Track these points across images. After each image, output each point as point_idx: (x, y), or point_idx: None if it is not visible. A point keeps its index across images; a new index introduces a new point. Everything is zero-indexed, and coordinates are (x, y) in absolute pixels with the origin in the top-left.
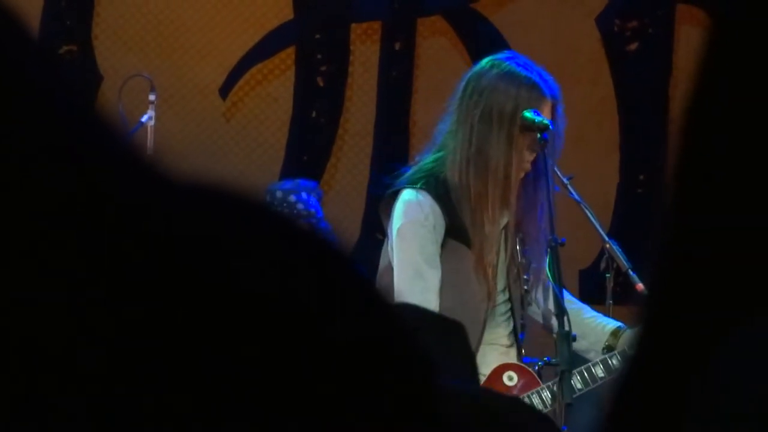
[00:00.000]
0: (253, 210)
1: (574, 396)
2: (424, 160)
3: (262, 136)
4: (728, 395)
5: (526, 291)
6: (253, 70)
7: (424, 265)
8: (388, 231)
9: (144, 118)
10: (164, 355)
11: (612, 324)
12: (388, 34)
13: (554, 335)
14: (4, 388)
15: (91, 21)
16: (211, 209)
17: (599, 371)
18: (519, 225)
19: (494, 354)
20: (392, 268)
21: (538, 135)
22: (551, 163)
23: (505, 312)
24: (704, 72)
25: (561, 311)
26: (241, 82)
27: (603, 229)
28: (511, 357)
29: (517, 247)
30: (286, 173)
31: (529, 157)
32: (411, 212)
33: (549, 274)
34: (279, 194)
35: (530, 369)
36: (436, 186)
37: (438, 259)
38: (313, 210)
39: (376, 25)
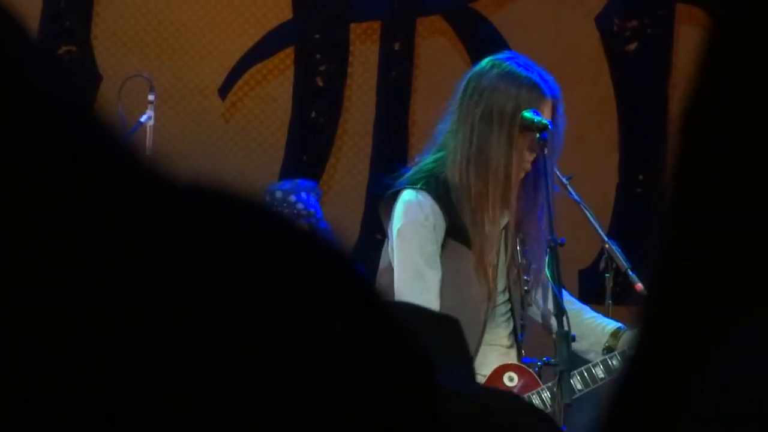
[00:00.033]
0: (253, 210)
1: (575, 397)
2: (424, 161)
3: (262, 136)
4: (728, 395)
5: (527, 291)
6: (253, 70)
7: (425, 265)
8: (388, 231)
9: (143, 119)
10: (164, 355)
11: (612, 325)
12: (387, 34)
13: (553, 335)
14: (4, 388)
15: (90, 21)
16: (210, 209)
17: (599, 372)
18: (519, 225)
19: (494, 355)
20: (392, 269)
21: (537, 135)
22: (550, 163)
23: (505, 312)
24: (704, 72)
25: (560, 311)
26: (240, 82)
27: (602, 229)
28: (511, 357)
29: (518, 248)
30: (286, 173)
31: (530, 157)
32: (411, 213)
33: (548, 274)
34: (279, 194)
35: (530, 369)
36: (436, 186)
37: (438, 260)
38: (312, 210)
39: (376, 25)
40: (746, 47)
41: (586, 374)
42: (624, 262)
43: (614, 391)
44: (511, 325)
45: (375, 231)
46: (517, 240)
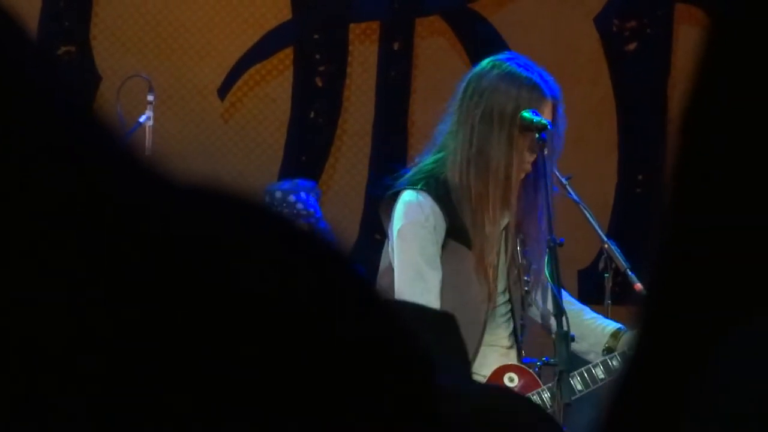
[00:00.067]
0: (252, 210)
1: (575, 397)
2: (424, 161)
3: (261, 137)
4: (727, 395)
5: (527, 292)
6: (252, 70)
7: (425, 266)
8: (389, 232)
9: (142, 119)
10: (164, 355)
11: (612, 326)
12: (386, 35)
13: (553, 336)
14: (4, 388)
15: (89, 22)
16: (209, 210)
17: (599, 372)
18: (519, 226)
19: (494, 355)
20: (393, 269)
21: (537, 135)
22: (549, 163)
23: (506, 313)
24: (703, 72)
25: (559, 311)
26: (239, 82)
27: (602, 229)
28: (512, 358)
29: (518, 248)
30: (285, 173)
31: (530, 157)
32: (411, 213)
33: (547, 274)
34: (278, 194)
35: (530, 370)
36: (436, 187)
37: (438, 260)
38: (312, 210)
39: (375, 25)
40: (745, 47)
41: (586, 375)
42: (623, 262)
43: (614, 392)
44: (512, 325)
45: (374, 231)
46: (518, 240)
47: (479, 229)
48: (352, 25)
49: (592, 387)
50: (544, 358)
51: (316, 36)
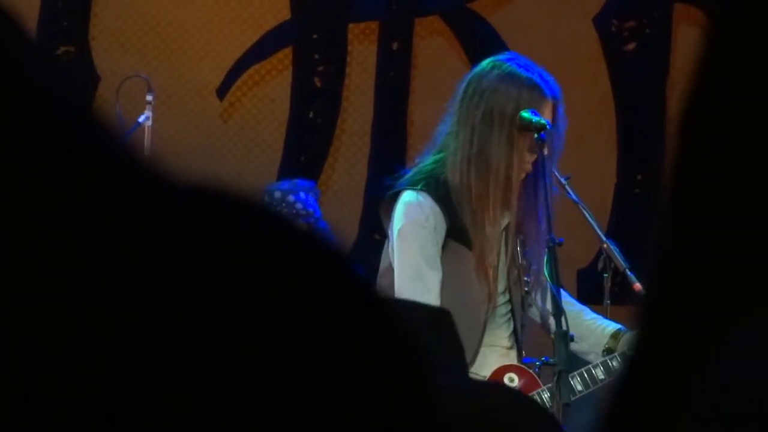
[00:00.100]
0: (252, 210)
1: (575, 398)
2: (424, 162)
3: (260, 137)
4: (727, 395)
5: (527, 292)
6: (251, 70)
7: (425, 266)
8: (389, 232)
9: (141, 119)
10: (164, 355)
11: (612, 326)
12: (385, 35)
13: (552, 335)
14: (4, 388)
15: (88, 22)
16: (209, 210)
17: (599, 373)
18: (520, 226)
19: (494, 356)
20: (393, 270)
21: (536, 135)
22: (549, 163)
23: (506, 313)
24: (702, 72)
25: (558, 311)
26: (238, 82)
27: (601, 229)
28: (512, 359)
29: (518, 249)
30: (284, 174)
31: (530, 158)
32: (411, 213)
33: (546, 274)
34: (277, 194)
35: (531, 370)
36: (436, 187)
37: (438, 261)
38: (311, 210)
39: (374, 26)
40: (744, 47)
41: (586, 375)
42: (622, 262)
43: (614, 392)
44: (512, 326)
45: (373, 231)
46: (518, 241)
47: (479, 230)
48: (351, 25)
49: (592, 387)
50: (543, 358)
51: (315, 36)
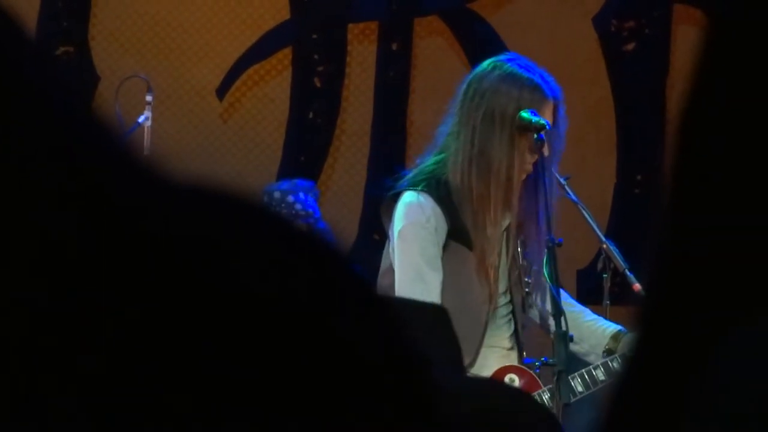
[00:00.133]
0: (251, 210)
1: (575, 399)
2: (425, 162)
3: (259, 137)
4: (727, 395)
5: (528, 293)
6: (250, 70)
7: (426, 267)
8: (390, 233)
9: (141, 119)
10: (164, 355)
11: (613, 327)
12: (385, 35)
13: (551, 335)
14: (4, 388)
15: (87, 22)
16: (208, 210)
17: (600, 374)
18: (521, 227)
19: (495, 357)
20: (393, 270)
21: (535, 135)
22: (548, 163)
23: (507, 314)
24: (701, 72)
25: (558, 311)
26: (238, 82)
27: (600, 230)
28: (512, 359)
29: (519, 250)
30: (284, 174)
31: (531, 158)
32: (412, 214)
33: (546, 274)
34: (277, 195)
35: (531, 371)
36: (437, 188)
37: (439, 262)
38: (310, 210)
39: (373, 26)
40: (744, 47)
41: (587, 376)
42: (622, 263)
43: (614, 392)
44: (512, 326)
45: (373, 231)
46: (519, 242)
47: (480, 231)
48: (350, 26)
49: (593, 389)
50: (543, 358)
51: (314, 36)
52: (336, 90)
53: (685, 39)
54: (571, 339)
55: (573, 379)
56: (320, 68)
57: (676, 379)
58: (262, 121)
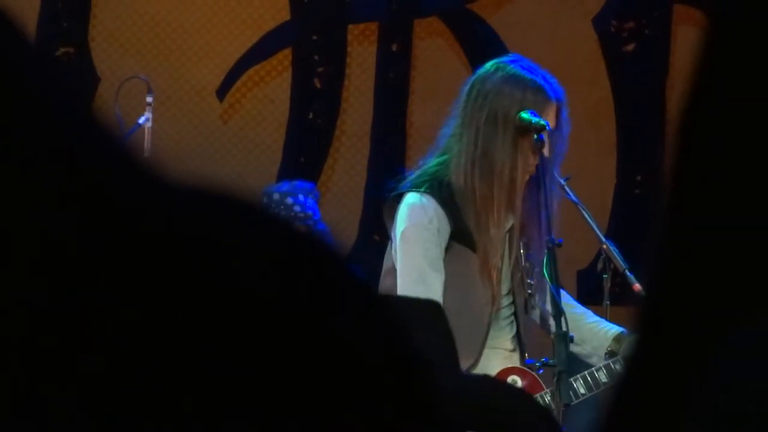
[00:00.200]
0: (251, 212)
1: (577, 401)
2: (427, 164)
3: (259, 138)
4: (727, 395)
5: (530, 295)
6: (250, 71)
7: (428, 268)
8: (392, 234)
9: (141, 120)
10: (164, 355)
11: (615, 329)
12: (385, 36)
13: (552, 336)
14: (4, 388)
15: (87, 23)
16: (208, 211)
17: (602, 376)
18: (523, 228)
19: (498, 358)
20: (395, 271)
21: (534, 136)
22: (549, 163)
23: (509, 316)
24: (701, 72)
25: (558, 311)
26: (238, 83)
27: (600, 230)
28: (515, 361)
29: (521, 251)
30: (283, 175)
31: (534, 160)
32: (415, 215)
33: (546, 275)
34: (276, 196)
35: (534, 373)
36: (440, 189)
37: (442, 263)
38: (310, 212)
39: (373, 27)
40: (744, 48)
41: (589, 378)
42: (622, 263)
43: (614, 392)
44: (515, 328)
45: (373, 232)
46: (521, 243)
47: (483, 232)
48: (350, 26)
49: (596, 390)
50: (543, 359)
51: (314, 37)
52: (336, 91)
53: (685, 39)
54: (572, 339)
55: (575, 381)
56: (320, 69)
57: (676, 379)
58: (262, 121)
